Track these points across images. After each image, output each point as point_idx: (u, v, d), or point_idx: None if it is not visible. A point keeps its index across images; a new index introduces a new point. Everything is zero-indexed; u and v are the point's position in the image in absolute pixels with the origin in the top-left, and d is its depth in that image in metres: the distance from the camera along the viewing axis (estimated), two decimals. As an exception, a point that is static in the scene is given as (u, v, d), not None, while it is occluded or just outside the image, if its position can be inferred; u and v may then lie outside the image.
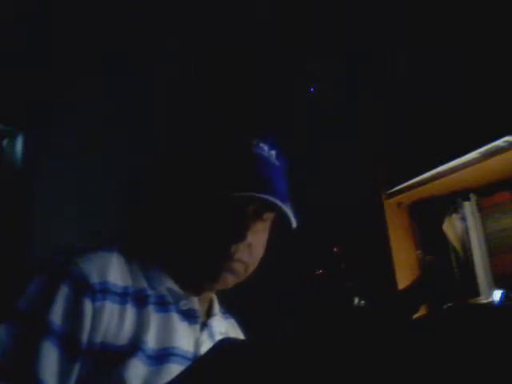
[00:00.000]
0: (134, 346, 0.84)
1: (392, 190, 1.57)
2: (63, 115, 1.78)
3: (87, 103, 1.82)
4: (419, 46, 1.54)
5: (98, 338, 0.81)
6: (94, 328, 0.81)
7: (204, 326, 0.97)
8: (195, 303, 0.94)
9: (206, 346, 0.93)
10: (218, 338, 0.98)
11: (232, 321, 1.10)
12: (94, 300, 0.83)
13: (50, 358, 0.78)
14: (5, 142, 1.75)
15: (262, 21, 1.82)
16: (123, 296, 0.87)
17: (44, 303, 0.81)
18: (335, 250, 1.67)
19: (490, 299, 1.39)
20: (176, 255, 0.95)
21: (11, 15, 1.68)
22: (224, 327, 1.04)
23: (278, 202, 0.89)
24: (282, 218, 0.93)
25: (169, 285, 0.93)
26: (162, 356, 0.86)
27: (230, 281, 0.93)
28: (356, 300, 1.51)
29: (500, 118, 1.28)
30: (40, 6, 1.71)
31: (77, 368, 0.80)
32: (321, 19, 1.77)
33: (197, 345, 0.93)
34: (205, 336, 0.95)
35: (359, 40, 1.70)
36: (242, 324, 1.12)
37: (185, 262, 0.94)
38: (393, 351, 0.65)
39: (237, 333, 1.09)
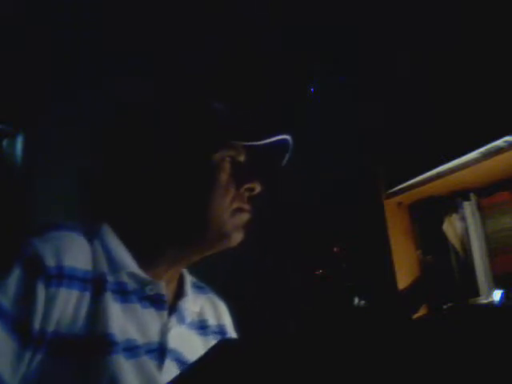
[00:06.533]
0: (94, 337, 0.78)
1: (392, 190, 1.57)
2: (63, 115, 1.78)
3: (87, 103, 1.82)
4: (420, 46, 1.54)
5: (51, 327, 0.76)
6: (46, 315, 0.76)
7: (172, 310, 0.91)
8: (162, 288, 0.88)
9: (174, 331, 0.88)
10: (190, 319, 0.94)
11: (210, 295, 1.03)
12: (47, 285, 0.77)
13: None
14: (5, 142, 1.75)
15: (262, 20, 1.82)
16: (83, 282, 0.81)
17: None
18: (335, 249, 1.67)
19: (490, 299, 1.39)
20: (159, 228, 0.89)
21: (11, 15, 1.68)
22: (198, 305, 0.98)
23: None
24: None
25: (131, 269, 0.86)
26: (125, 349, 0.80)
27: (238, 237, 0.89)
28: (356, 300, 1.51)
29: (500, 118, 1.28)
30: (40, 6, 1.71)
31: (27, 356, 0.74)
32: (321, 19, 1.77)
33: (163, 332, 0.87)
34: (173, 321, 0.90)
35: (359, 40, 1.70)
36: (242, 324, 1.11)
37: (183, 229, 0.88)
38: (393, 351, 0.65)
39: (215, 307, 1.02)
